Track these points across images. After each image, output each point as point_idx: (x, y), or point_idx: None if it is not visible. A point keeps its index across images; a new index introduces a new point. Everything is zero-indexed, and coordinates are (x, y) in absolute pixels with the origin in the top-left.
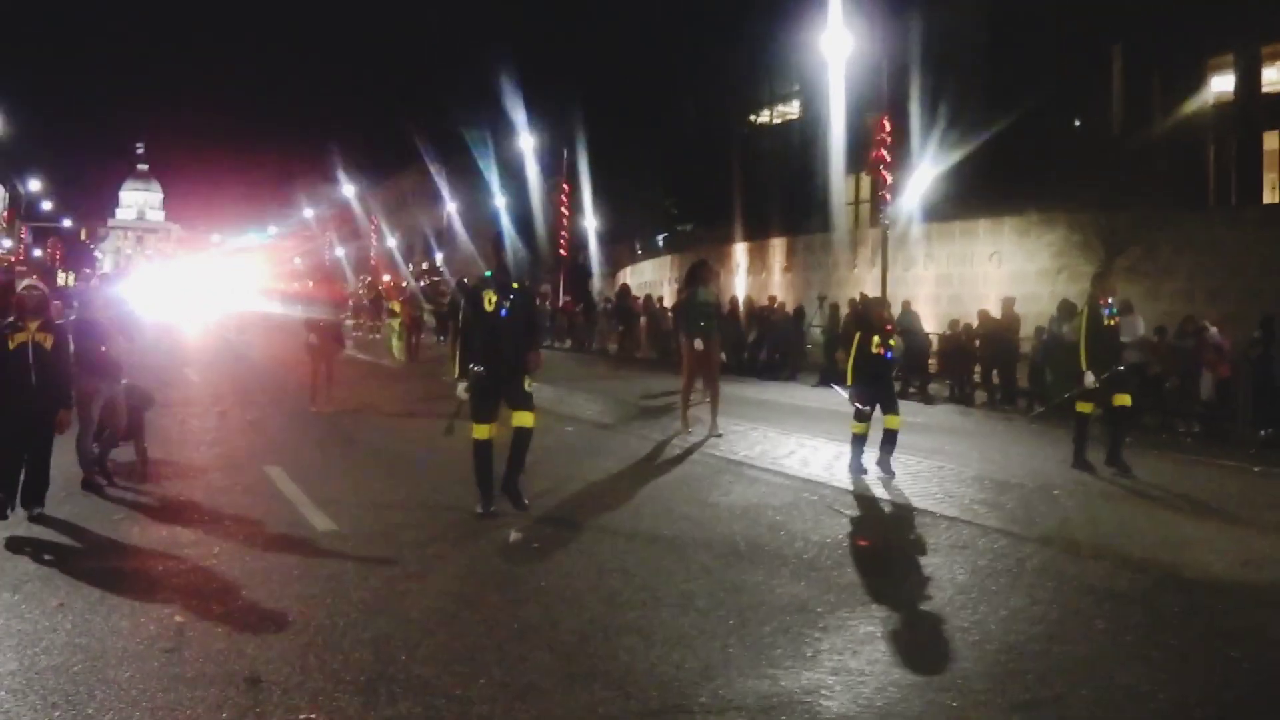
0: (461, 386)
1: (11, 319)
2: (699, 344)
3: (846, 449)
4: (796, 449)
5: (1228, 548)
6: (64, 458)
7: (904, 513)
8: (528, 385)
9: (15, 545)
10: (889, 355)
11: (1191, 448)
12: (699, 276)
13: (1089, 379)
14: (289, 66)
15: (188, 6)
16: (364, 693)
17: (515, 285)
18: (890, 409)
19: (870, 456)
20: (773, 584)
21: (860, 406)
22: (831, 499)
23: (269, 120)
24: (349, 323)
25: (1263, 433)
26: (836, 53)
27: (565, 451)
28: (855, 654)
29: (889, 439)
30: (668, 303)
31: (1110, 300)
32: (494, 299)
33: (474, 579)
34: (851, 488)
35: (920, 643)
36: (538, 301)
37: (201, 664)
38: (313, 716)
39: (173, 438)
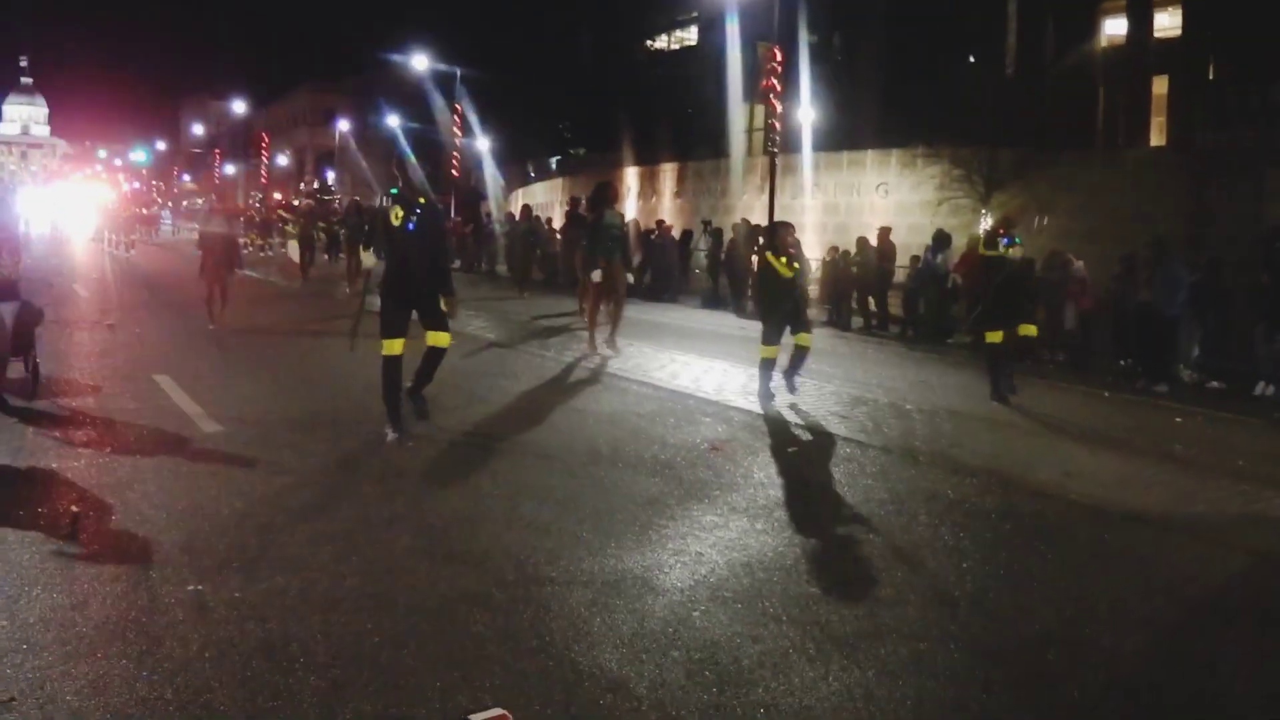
0: (368, 257)
1: None
2: (597, 274)
3: (718, 365)
4: (669, 364)
5: (1055, 461)
6: None
7: (760, 421)
8: (443, 306)
9: None
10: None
11: (1054, 374)
12: (605, 198)
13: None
14: None
15: None
16: (246, 570)
17: (421, 200)
18: (800, 328)
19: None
20: (629, 481)
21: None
22: (695, 409)
23: (157, 34)
24: (243, 240)
25: (1122, 363)
26: None
27: (468, 373)
28: (697, 539)
29: (799, 355)
30: (556, 224)
31: (1006, 231)
32: (400, 214)
33: (348, 475)
34: (716, 399)
35: (758, 530)
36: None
37: (97, 550)
38: (201, 587)
39: (63, 351)
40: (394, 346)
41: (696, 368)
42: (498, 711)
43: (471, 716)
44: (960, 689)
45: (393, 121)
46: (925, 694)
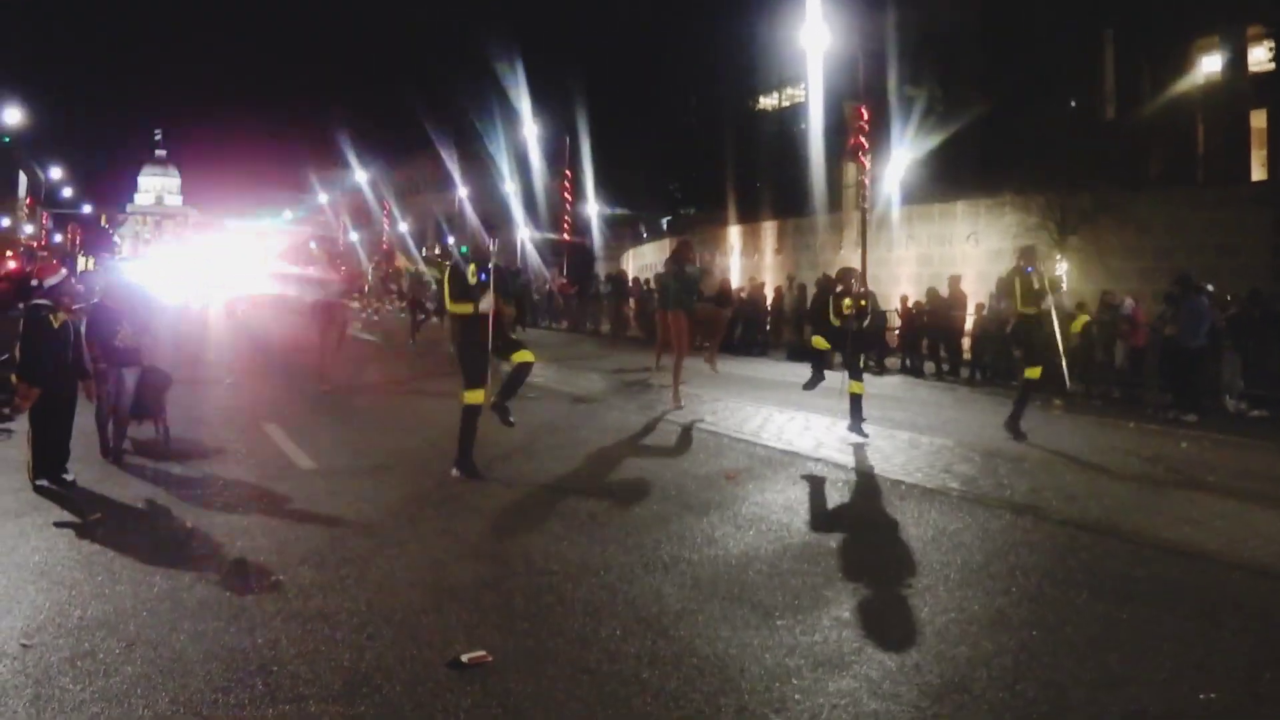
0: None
1: (49, 301)
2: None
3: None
4: (753, 415)
5: (1042, 482)
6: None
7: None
8: (514, 335)
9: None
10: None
11: (1105, 409)
12: (682, 255)
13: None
14: (302, 53)
15: None
16: (317, 567)
17: (491, 264)
18: (856, 375)
19: (835, 434)
20: (639, 499)
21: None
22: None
23: (283, 106)
24: (355, 304)
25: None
26: (815, 42)
27: (547, 426)
28: (681, 543)
29: (854, 403)
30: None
31: (1031, 265)
32: (475, 272)
33: (415, 500)
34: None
35: (743, 540)
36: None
37: (203, 548)
38: (281, 578)
39: (188, 405)
40: (476, 396)
41: (773, 417)
42: (481, 653)
43: (463, 656)
44: None
45: (507, 187)
46: None
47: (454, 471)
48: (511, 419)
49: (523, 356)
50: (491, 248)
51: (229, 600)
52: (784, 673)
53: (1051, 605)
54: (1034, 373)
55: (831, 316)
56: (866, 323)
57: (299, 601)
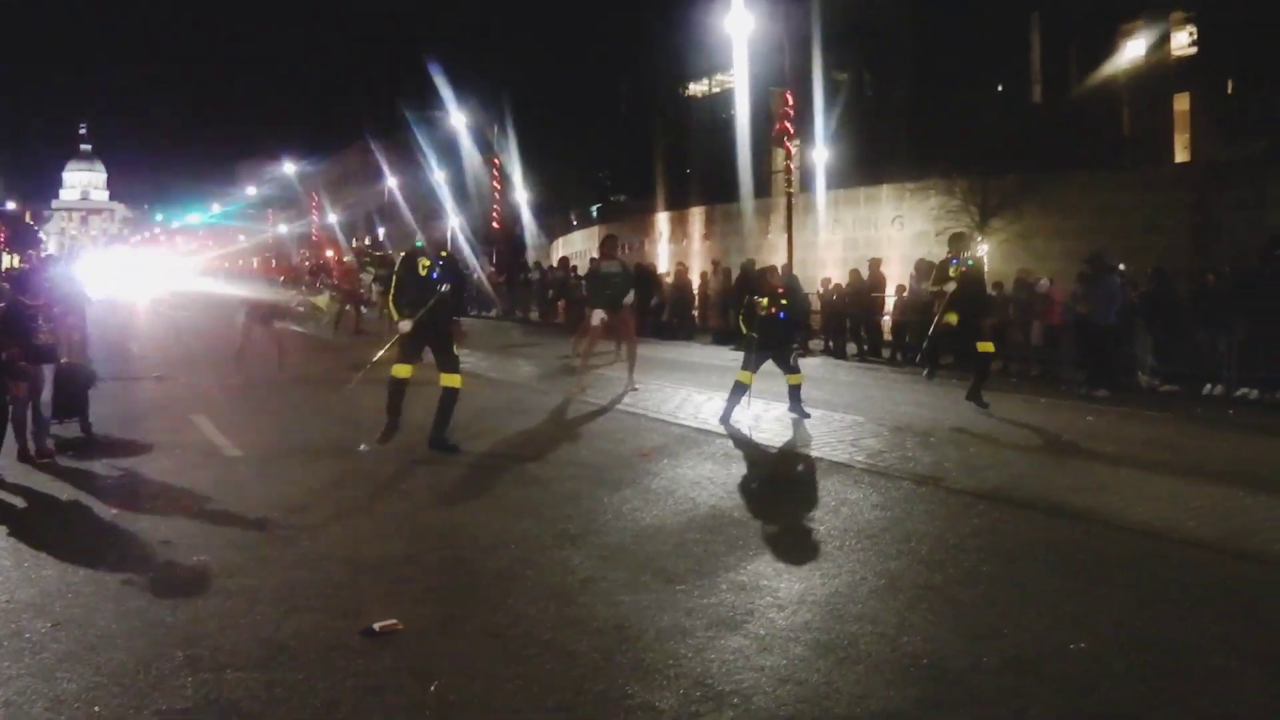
0: (405, 324)
1: None
2: (599, 315)
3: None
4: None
5: (940, 452)
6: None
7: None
8: (455, 348)
9: None
10: (783, 315)
11: (1025, 387)
12: (603, 251)
13: (951, 317)
14: (231, 47)
15: None
16: (240, 547)
17: (444, 253)
18: (788, 369)
19: (747, 409)
20: (555, 476)
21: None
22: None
23: (211, 100)
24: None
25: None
26: (740, 28)
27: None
28: (592, 517)
29: (794, 392)
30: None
31: (959, 256)
32: (427, 264)
33: (338, 482)
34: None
35: (651, 512)
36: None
37: (130, 533)
38: (206, 558)
39: (114, 400)
40: (403, 370)
41: (692, 397)
42: (392, 621)
43: (375, 625)
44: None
45: (437, 177)
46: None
47: (361, 447)
48: (452, 444)
49: (450, 380)
50: (445, 236)
51: (153, 581)
52: (680, 632)
53: (940, 568)
54: (985, 347)
55: (746, 324)
56: (786, 317)
57: (222, 579)
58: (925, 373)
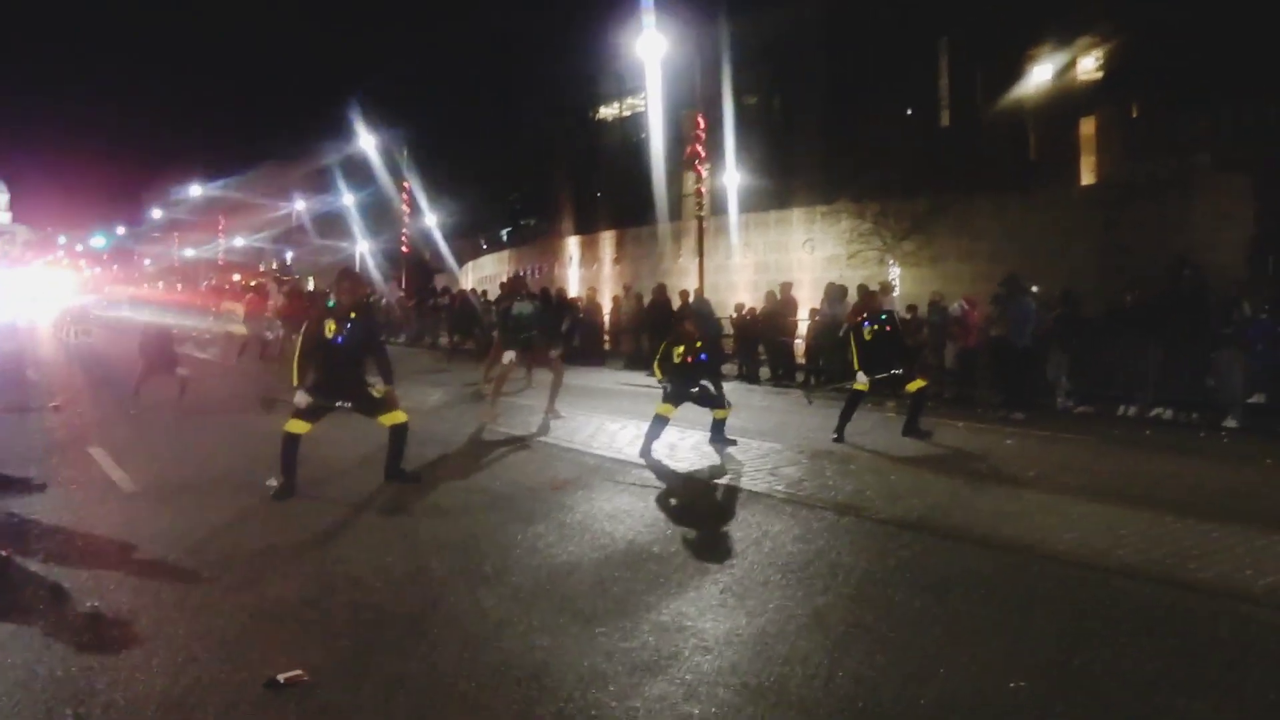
0: (300, 395)
1: None
2: (510, 356)
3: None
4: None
5: (860, 481)
6: None
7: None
8: (376, 392)
9: None
10: (704, 357)
11: (939, 410)
12: (513, 292)
13: (861, 379)
14: (137, 68)
15: (31, 3)
16: (134, 592)
17: (353, 314)
18: (715, 405)
19: (665, 442)
20: (467, 511)
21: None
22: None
23: (116, 121)
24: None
25: (998, 397)
26: (652, 51)
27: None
28: (505, 554)
29: (717, 426)
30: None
31: (869, 315)
32: (333, 327)
33: (238, 519)
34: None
35: (567, 549)
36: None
37: (16, 580)
38: (98, 604)
39: (8, 431)
40: (299, 426)
41: (605, 425)
42: (297, 671)
43: (280, 676)
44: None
45: (347, 200)
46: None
47: (271, 482)
48: (410, 474)
49: (394, 418)
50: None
51: (41, 630)
52: (600, 679)
53: (869, 603)
54: (915, 385)
55: (660, 370)
56: (708, 358)
57: (116, 629)
58: (834, 437)
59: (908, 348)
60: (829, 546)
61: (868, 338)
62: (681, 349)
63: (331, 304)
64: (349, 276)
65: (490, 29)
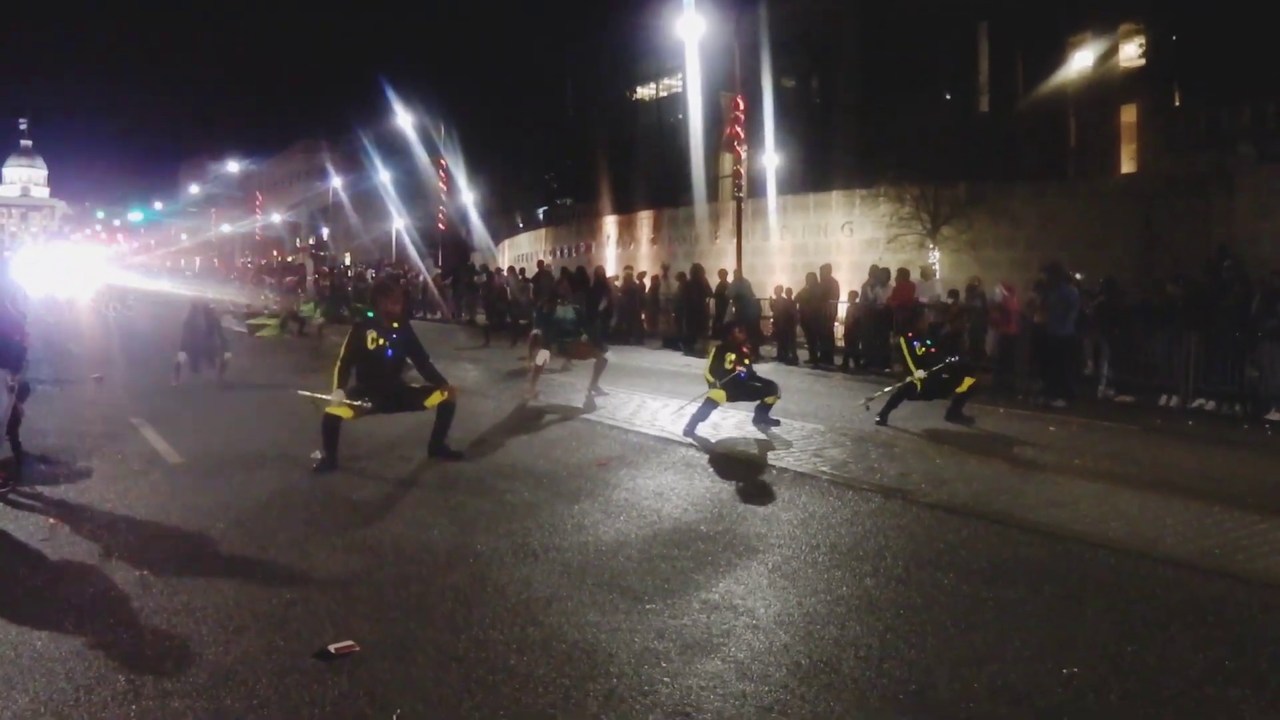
0: (338, 394)
1: None
2: (544, 355)
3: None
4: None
5: (902, 464)
6: None
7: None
8: (412, 384)
9: None
10: (742, 374)
11: (979, 396)
12: (556, 294)
13: (919, 374)
14: (175, 44)
15: None
16: (183, 562)
17: (395, 325)
18: (767, 394)
19: (709, 420)
20: (511, 488)
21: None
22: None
23: (155, 98)
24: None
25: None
26: (691, 32)
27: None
28: (552, 530)
29: (762, 409)
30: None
31: (916, 334)
32: (376, 338)
33: (284, 492)
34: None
35: (613, 526)
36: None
37: (67, 547)
38: (147, 574)
39: (54, 403)
40: (343, 411)
41: (647, 403)
42: (348, 642)
43: (331, 647)
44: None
45: (384, 177)
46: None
47: (316, 455)
48: (454, 451)
49: (437, 398)
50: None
51: (92, 598)
52: (652, 656)
53: (918, 587)
54: (968, 382)
55: (710, 376)
56: (745, 376)
57: (164, 597)
58: (877, 420)
59: (959, 357)
60: (876, 529)
61: (920, 353)
62: (733, 356)
63: (369, 314)
64: (387, 290)
65: (530, 8)
